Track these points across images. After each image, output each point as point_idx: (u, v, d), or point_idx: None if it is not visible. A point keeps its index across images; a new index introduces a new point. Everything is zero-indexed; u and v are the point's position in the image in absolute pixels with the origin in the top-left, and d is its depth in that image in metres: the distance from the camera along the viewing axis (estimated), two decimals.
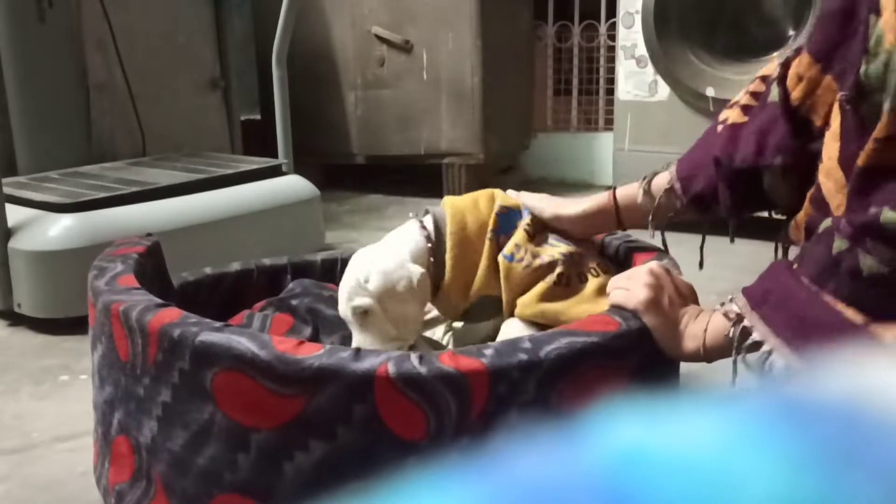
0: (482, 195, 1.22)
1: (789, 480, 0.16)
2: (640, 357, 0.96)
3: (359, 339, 1.13)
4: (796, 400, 0.18)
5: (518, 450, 0.18)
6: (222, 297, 1.38)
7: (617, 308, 1.01)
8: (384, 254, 1.15)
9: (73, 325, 1.76)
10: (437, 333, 1.32)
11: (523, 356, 0.88)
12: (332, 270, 1.48)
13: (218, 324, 0.93)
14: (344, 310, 1.14)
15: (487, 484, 0.17)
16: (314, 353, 0.87)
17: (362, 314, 1.11)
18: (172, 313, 0.95)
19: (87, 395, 1.38)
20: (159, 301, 1.00)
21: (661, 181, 1.16)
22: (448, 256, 1.15)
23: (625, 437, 0.18)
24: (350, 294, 1.12)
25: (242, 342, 0.88)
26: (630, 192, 1.18)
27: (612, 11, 3.12)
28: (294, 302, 1.31)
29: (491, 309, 1.18)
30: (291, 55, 2.49)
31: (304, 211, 2.34)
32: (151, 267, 1.24)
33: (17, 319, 1.85)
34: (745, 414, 0.18)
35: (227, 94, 2.83)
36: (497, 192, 1.23)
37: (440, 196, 2.99)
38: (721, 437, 0.17)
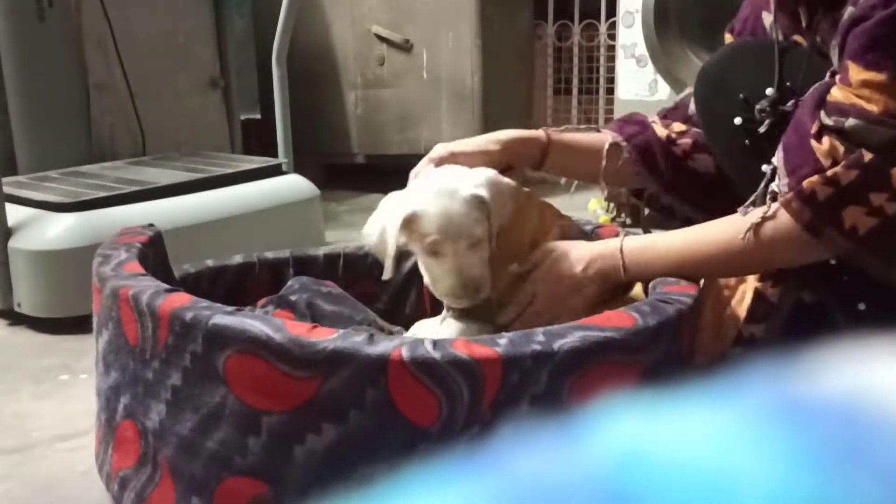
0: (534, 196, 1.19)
1: (789, 479, 0.16)
2: (654, 354, 0.95)
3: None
4: (796, 399, 0.18)
5: (520, 447, 0.18)
6: (223, 289, 1.38)
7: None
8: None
9: (74, 325, 1.76)
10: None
11: (537, 347, 0.88)
12: (335, 265, 1.48)
13: (229, 308, 0.93)
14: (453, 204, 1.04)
15: (489, 482, 0.17)
16: (328, 337, 0.87)
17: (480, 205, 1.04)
18: (183, 298, 0.95)
19: (87, 394, 1.37)
20: (168, 286, 0.99)
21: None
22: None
23: (625, 436, 0.18)
24: (458, 182, 1.05)
25: (256, 325, 0.88)
26: (571, 138, 1.22)
27: (612, 11, 3.12)
28: (293, 297, 1.31)
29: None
30: (291, 55, 2.48)
31: (303, 210, 2.33)
32: (154, 256, 1.24)
33: (17, 319, 1.85)
34: (744, 413, 0.18)
35: (227, 94, 2.83)
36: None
37: None
38: (721, 436, 0.17)
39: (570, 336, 0.90)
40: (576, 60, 3.41)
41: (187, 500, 0.94)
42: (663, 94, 2.60)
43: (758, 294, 1.10)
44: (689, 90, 1.23)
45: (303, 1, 2.58)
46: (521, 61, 3.35)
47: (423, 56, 3.04)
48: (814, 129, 0.93)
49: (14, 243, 1.82)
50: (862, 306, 1.02)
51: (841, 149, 0.90)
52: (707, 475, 0.16)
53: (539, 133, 1.19)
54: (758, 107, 1.05)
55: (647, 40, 2.56)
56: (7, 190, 1.89)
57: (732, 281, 1.13)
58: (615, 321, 0.94)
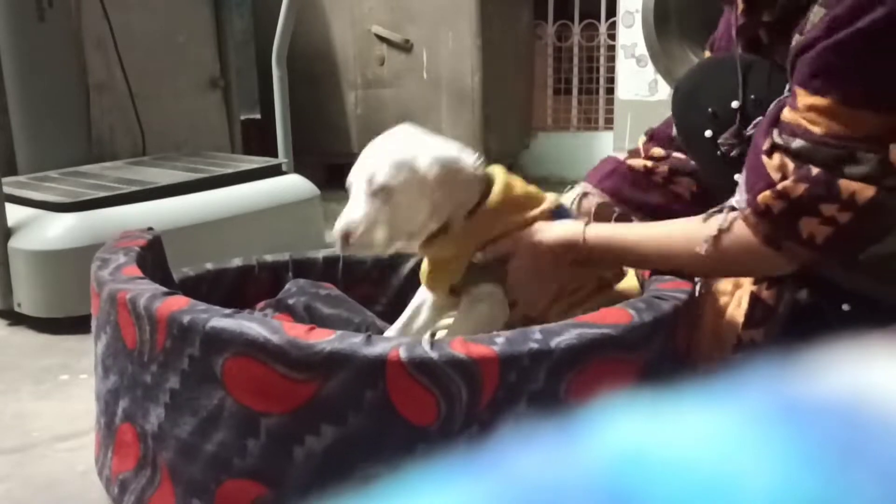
0: (533, 187, 1.17)
1: (789, 479, 0.16)
2: (651, 350, 0.96)
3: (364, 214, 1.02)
4: (796, 399, 0.18)
5: (519, 447, 0.18)
6: (223, 292, 1.38)
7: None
8: (435, 141, 1.06)
9: (74, 325, 1.76)
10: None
11: (534, 345, 0.88)
12: (334, 268, 1.48)
13: (227, 310, 0.93)
14: (361, 176, 1.03)
15: (488, 482, 0.17)
16: (326, 338, 0.87)
17: (382, 192, 1.02)
18: (180, 301, 0.95)
19: (87, 394, 1.37)
20: (166, 289, 1.00)
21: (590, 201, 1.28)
22: (494, 196, 1.09)
23: (625, 436, 0.18)
24: (380, 165, 1.01)
25: (254, 327, 0.88)
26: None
27: (612, 11, 3.12)
28: (291, 301, 1.31)
29: (488, 276, 1.11)
30: (291, 55, 2.48)
31: (304, 210, 2.33)
32: (152, 260, 1.24)
33: (17, 319, 1.85)
34: (744, 413, 0.18)
35: (227, 94, 2.83)
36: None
37: None
38: (721, 436, 0.17)
39: (567, 334, 0.90)
40: (576, 60, 3.41)
41: (187, 502, 0.94)
42: (663, 94, 2.60)
43: (754, 297, 1.11)
44: None
45: (303, 1, 2.58)
46: (521, 61, 3.35)
47: (423, 56, 3.04)
48: (765, 146, 0.97)
49: (14, 243, 1.82)
50: (846, 307, 1.03)
51: (790, 165, 0.94)
52: (707, 475, 0.16)
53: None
54: (720, 141, 1.10)
55: (647, 40, 2.56)
56: (7, 190, 1.89)
57: (729, 287, 1.15)
58: (611, 318, 0.94)
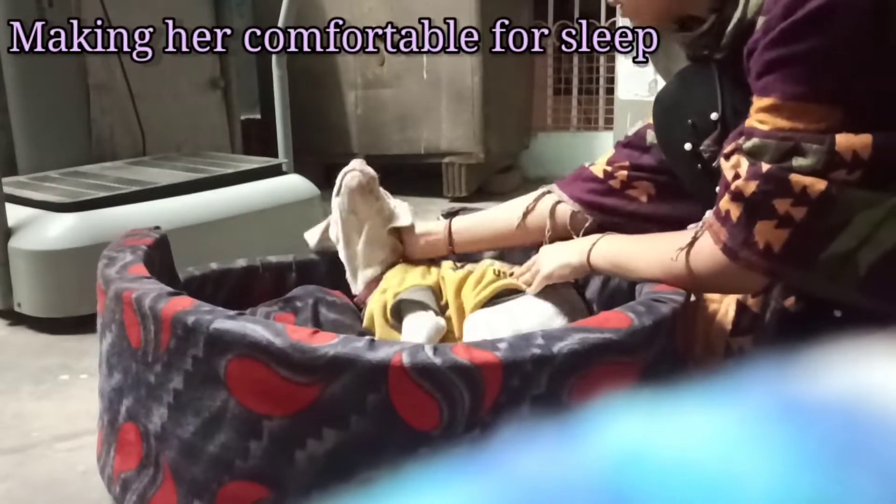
0: None
1: (789, 479, 0.16)
2: (651, 353, 0.96)
3: None
4: (796, 399, 0.18)
5: (520, 448, 0.18)
6: (227, 292, 1.38)
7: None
8: None
9: (74, 325, 1.76)
10: None
11: (537, 350, 0.89)
12: (337, 269, 1.48)
13: (231, 312, 0.93)
14: None
15: (489, 482, 0.17)
16: (329, 342, 0.87)
17: None
18: (185, 301, 0.96)
19: (87, 394, 1.37)
20: (171, 290, 1.00)
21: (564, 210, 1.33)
22: None
23: (625, 436, 0.18)
24: None
25: (258, 330, 0.88)
26: (477, 221, 1.38)
27: (612, 11, 3.12)
28: (298, 304, 1.32)
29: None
30: (291, 55, 2.48)
31: (304, 210, 2.33)
32: (159, 259, 1.25)
33: (17, 319, 1.85)
34: (744, 413, 0.18)
35: (227, 94, 2.83)
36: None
37: (440, 195, 3.00)
38: (721, 436, 0.17)
39: (569, 339, 0.90)
40: (576, 60, 3.41)
41: (189, 503, 0.94)
42: None
43: (740, 305, 1.12)
44: (649, 120, 1.28)
45: (302, 1, 2.58)
46: (521, 61, 3.35)
47: (423, 56, 3.04)
48: (726, 150, 0.99)
49: (14, 243, 1.82)
50: (838, 313, 1.03)
51: (744, 164, 0.94)
52: (706, 475, 0.16)
53: (440, 230, 1.35)
54: (702, 148, 1.11)
55: (646, 40, 2.56)
56: (7, 190, 1.89)
57: (717, 295, 1.15)
58: (612, 322, 0.95)
